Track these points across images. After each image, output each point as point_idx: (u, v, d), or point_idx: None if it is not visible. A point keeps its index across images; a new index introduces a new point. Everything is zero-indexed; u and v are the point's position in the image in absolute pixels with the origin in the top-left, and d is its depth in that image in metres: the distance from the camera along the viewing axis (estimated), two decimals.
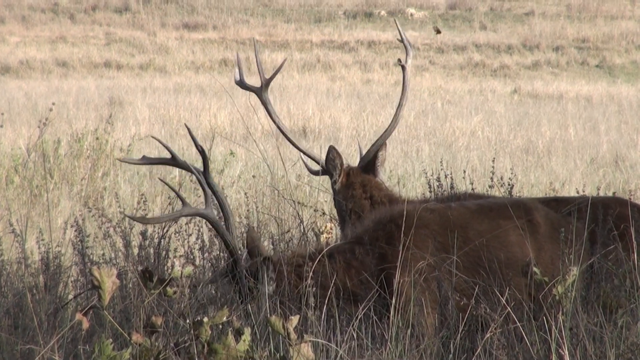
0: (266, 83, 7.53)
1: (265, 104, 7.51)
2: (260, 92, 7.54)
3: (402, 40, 7.83)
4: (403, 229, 5.96)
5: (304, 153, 7.54)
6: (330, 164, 7.34)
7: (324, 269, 5.90)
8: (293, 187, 10.43)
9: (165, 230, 6.65)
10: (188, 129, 6.04)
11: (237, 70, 7.65)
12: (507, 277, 5.95)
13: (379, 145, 7.46)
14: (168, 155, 5.96)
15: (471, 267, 5.97)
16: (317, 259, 5.88)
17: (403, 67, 7.73)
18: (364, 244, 5.99)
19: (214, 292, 6.18)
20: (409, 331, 5.66)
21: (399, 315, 5.71)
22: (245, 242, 6.01)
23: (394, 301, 5.74)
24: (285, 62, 8.23)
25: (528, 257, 5.99)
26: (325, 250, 5.96)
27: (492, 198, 6.93)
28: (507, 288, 5.89)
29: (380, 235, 6.01)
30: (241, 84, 7.61)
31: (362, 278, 5.93)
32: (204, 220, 6.80)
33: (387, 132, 7.51)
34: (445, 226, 6.04)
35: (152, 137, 6.25)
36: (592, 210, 6.40)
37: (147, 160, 6.03)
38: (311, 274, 5.82)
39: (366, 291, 5.89)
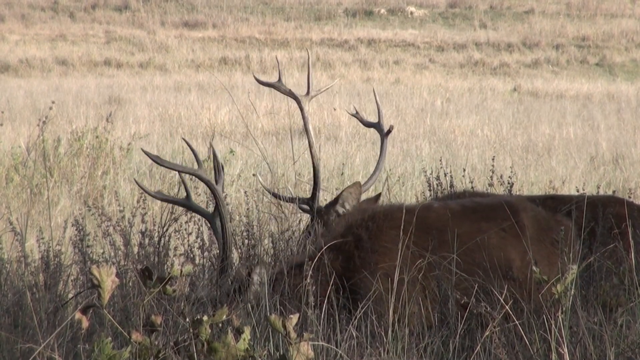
0: (311, 95, 7.61)
1: (302, 112, 7.59)
2: (302, 101, 7.62)
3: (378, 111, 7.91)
4: (374, 230, 5.84)
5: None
6: (349, 198, 7.23)
7: (297, 281, 5.80)
8: (292, 186, 10.43)
9: (165, 229, 6.65)
10: (213, 151, 6.10)
11: (279, 73, 7.70)
12: (488, 280, 5.81)
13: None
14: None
15: (447, 270, 5.81)
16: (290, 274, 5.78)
17: (389, 132, 7.76)
18: (334, 249, 5.84)
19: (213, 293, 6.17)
20: (407, 330, 5.65)
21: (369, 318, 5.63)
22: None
23: (392, 300, 5.69)
24: (335, 83, 8.32)
25: (510, 260, 5.85)
26: (287, 262, 5.87)
27: (486, 197, 6.84)
28: (493, 291, 5.76)
29: (350, 240, 5.84)
30: (282, 88, 7.63)
31: (333, 284, 5.79)
32: (204, 220, 6.81)
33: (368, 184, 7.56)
34: (420, 228, 5.85)
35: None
36: (590, 209, 6.40)
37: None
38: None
39: (338, 296, 5.75)
